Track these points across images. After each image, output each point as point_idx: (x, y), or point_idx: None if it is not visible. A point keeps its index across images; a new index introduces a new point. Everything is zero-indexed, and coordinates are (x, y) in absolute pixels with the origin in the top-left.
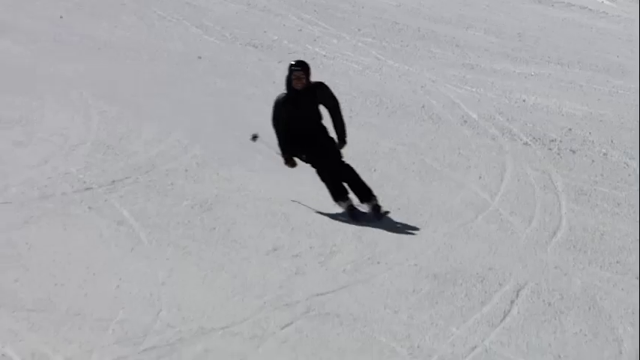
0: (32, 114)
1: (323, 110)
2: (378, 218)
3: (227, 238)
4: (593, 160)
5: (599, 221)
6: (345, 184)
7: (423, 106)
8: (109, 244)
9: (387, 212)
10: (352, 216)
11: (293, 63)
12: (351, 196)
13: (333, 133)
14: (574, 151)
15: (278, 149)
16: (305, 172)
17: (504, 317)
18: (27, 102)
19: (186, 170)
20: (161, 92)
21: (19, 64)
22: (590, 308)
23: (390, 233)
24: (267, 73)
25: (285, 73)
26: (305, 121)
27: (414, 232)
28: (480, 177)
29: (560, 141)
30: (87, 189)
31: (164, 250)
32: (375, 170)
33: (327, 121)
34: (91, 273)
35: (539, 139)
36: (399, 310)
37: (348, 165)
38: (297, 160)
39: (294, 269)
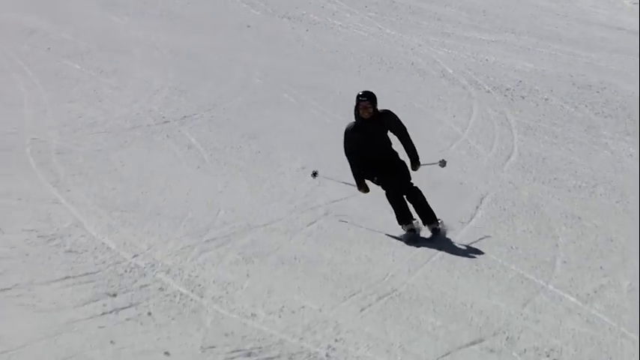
0: (126, 67)
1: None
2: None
3: (268, 159)
4: (537, 104)
5: (542, 149)
6: (410, 206)
7: (412, 64)
8: (181, 162)
9: (445, 231)
10: (410, 238)
11: (360, 94)
12: (415, 220)
13: (402, 157)
14: (523, 97)
15: (345, 180)
16: (325, 116)
17: (471, 218)
18: (122, 58)
19: (239, 109)
20: (220, 52)
21: (117, 31)
22: (534, 213)
23: None
24: (297, 38)
25: (312, 40)
26: (375, 148)
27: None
28: (454, 116)
29: (513, 90)
30: (165, 122)
31: (221, 167)
32: None
33: (396, 145)
34: (168, 184)
35: (498, 88)
36: (392, 212)
37: (416, 188)
38: (369, 183)
39: (317, 182)
